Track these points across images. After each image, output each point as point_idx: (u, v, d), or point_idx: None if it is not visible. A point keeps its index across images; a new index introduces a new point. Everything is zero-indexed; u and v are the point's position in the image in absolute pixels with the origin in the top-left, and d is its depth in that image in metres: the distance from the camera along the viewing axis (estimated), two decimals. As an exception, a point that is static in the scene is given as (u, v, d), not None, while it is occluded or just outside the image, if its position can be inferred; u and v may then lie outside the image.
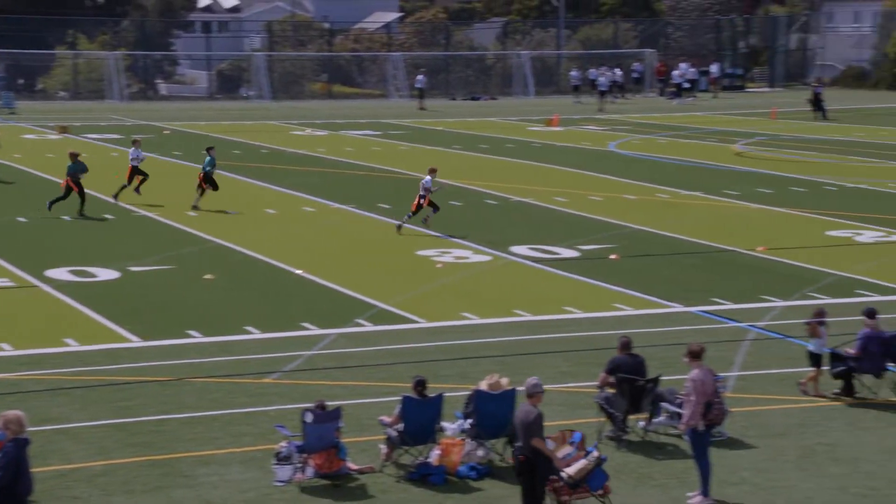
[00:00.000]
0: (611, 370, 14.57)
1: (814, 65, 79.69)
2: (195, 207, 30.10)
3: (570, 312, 20.39)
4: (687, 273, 23.51)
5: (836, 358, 16.22)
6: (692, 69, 70.10)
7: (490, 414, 13.72)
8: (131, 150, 31.68)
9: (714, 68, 74.02)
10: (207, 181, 30.19)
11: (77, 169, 29.42)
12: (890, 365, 16.09)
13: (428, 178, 27.33)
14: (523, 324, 19.66)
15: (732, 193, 33.14)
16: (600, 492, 12.27)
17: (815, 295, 21.39)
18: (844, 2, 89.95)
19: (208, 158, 30.37)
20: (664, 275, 23.30)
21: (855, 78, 76.19)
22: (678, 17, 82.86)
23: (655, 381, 14.66)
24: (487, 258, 24.89)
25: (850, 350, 16.13)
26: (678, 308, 20.69)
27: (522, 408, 11.86)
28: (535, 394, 11.82)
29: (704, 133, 49.80)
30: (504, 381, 14.04)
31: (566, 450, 12.51)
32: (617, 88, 69.50)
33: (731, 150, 43.16)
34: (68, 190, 29.31)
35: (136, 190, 31.30)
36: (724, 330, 19.30)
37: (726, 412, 13.64)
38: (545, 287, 22.36)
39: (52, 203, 29.28)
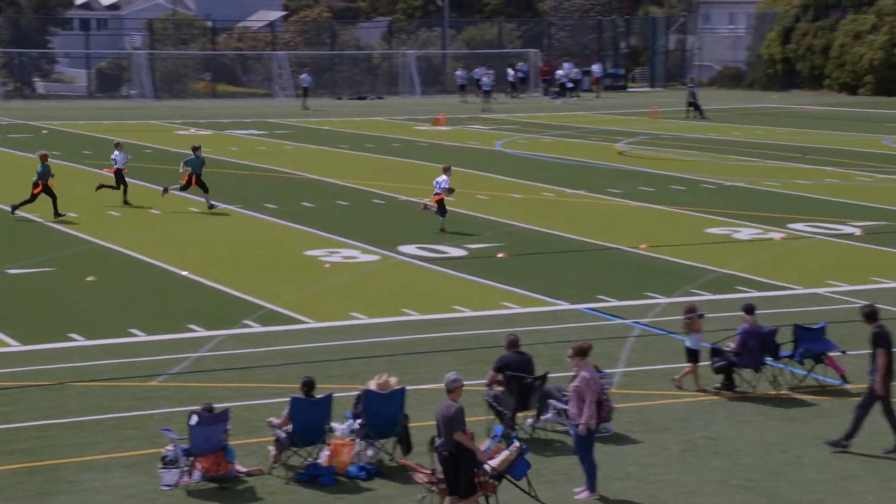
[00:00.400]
0: (499, 368, 14.65)
1: (692, 65, 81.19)
2: (211, 206, 30.04)
3: (459, 311, 20.46)
4: (573, 271, 23.75)
5: (716, 353, 16.53)
6: (575, 69, 70.92)
7: (379, 414, 13.70)
8: (115, 153, 31.31)
9: (596, 68, 75.00)
10: (198, 183, 30.24)
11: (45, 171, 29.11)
12: (768, 359, 16.45)
13: (444, 177, 27.41)
14: (412, 323, 19.67)
15: (616, 192, 33.58)
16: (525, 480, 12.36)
17: (696, 291, 21.77)
18: (720, 4, 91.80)
19: (193, 158, 30.30)
20: (551, 273, 23.51)
21: (731, 78, 77.80)
22: (561, 17, 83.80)
23: (543, 378, 14.78)
24: (376, 258, 24.86)
25: (731, 345, 16.45)
26: (565, 305, 20.89)
27: (443, 403, 11.88)
28: (454, 389, 11.86)
29: (588, 132, 50.39)
30: (393, 380, 14.03)
31: (486, 442, 12.56)
32: (511, 87, 70.15)
33: (615, 149, 43.73)
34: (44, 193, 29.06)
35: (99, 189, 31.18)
36: (610, 327, 19.55)
37: (613, 409, 13.82)
38: (434, 286, 22.41)
39: (15, 207, 29.12)
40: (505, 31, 78.66)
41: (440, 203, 27.54)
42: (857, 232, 27.42)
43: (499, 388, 14.63)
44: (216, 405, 13.65)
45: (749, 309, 16.50)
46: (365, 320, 19.82)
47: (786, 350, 16.57)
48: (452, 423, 11.71)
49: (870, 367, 13.97)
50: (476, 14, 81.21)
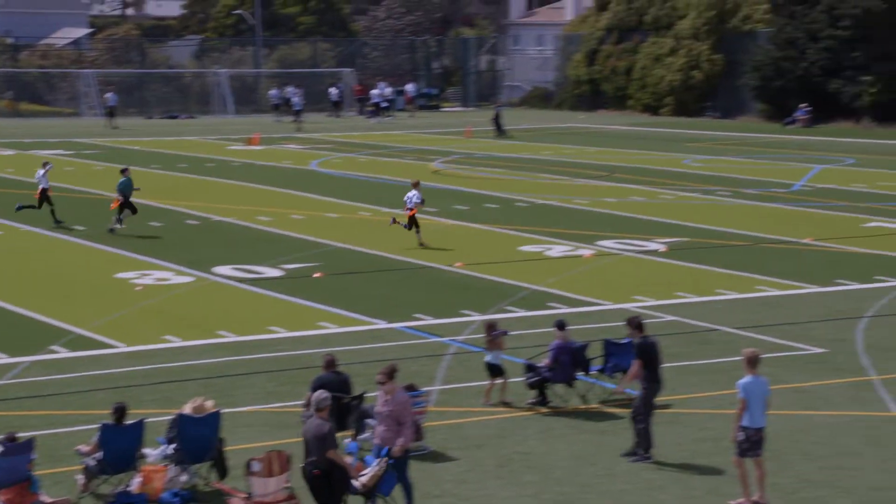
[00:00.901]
0: (316, 388, 14.56)
1: (503, 85, 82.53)
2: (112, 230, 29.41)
3: (275, 332, 20.27)
4: (390, 290, 23.80)
5: (530, 369, 16.77)
6: (389, 89, 71.31)
7: (194, 438, 13.46)
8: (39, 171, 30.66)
9: (410, 88, 75.54)
10: (127, 205, 29.58)
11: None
12: (580, 374, 16.77)
13: (414, 192, 28.05)
14: (228, 345, 19.40)
15: (431, 210, 33.82)
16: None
17: (510, 308, 22.06)
18: (528, 26, 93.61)
19: (124, 180, 29.58)
20: (368, 292, 23.51)
21: (540, 98, 79.34)
22: (374, 37, 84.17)
23: (360, 397, 14.76)
24: (189, 279, 24.45)
25: (544, 361, 16.71)
26: (382, 325, 20.90)
27: (312, 422, 11.76)
28: (324, 407, 11.78)
29: (403, 151, 50.66)
30: (209, 403, 13.80)
31: (348, 460, 12.54)
32: (333, 106, 70.03)
33: (429, 168, 44.07)
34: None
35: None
36: (426, 345, 19.65)
37: (422, 428, 13.91)
38: (249, 307, 22.15)
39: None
40: (319, 51, 78.56)
41: (412, 218, 27.99)
42: (662, 248, 28.23)
43: (316, 409, 14.53)
44: (20, 434, 13.18)
45: (561, 325, 16.80)
46: (178, 343, 19.45)
47: (596, 365, 16.92)
48: (325, 441, 11.62)
49: (642, 380, 14.46)
50: (289, 33, 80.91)
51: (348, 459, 12.59)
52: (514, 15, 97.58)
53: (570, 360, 16.54)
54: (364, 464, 12.74)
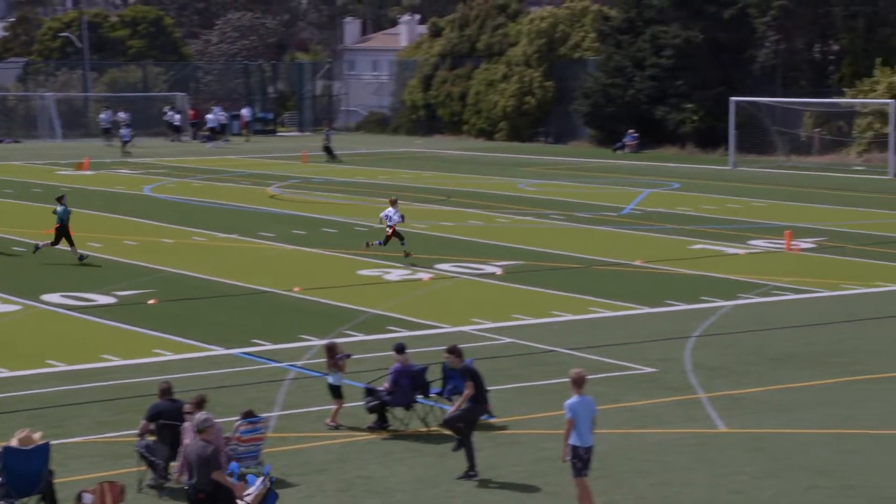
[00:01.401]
0: (151, 417, 14.32)
1: (339, 110, 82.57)
2: (81, 258, 28.53)
3: (109, 360, 19.85)
4: (226, 315, 23.54)
5: (369, 393, 16.79)
6: (223, 113, 70.67)
7: (21, 471, 13.06)
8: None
9: (245, 112, 74.97)
10: (64, 234, 28.70)
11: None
12: (419, 397, 16.86)
13: (392, 209, 29.17)
14: (58, 374, 18.91)
15: (268, 235, 33.59)
16: None
17: (349, 332, 22.05)
18: (363, 51, 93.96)
19: (62, 208, 28.64)
20: (204, 318, 23.20)
21: (377, 123, 79.62)
22: (207, 61, 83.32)
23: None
24: (16, 308, 23.76)
25: (383, 385, 16.74)
26: (219, 351, 20.66)
27: (196, 444, 11.57)
28: (206, 428, 11.68)
29: (239, 176, 50.21)
30: (36, 435, 13.42)
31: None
32: (173, 130, 69.09)
33: (266, 193, 43.77)
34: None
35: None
36: (265, 370, 19.49)
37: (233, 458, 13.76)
38: (81, 335, 21.64)
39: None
40: (151, 75, 77.38)
41: (396, 233, 29.11)
42: (498, 271, 28.60)
43: (151, 438, 14.30)
44: None
45: (400, 348, 16.87)
46: (5, 374, 18.87)
47: (435, 388, 17.03)
48: (210, 462, 11.49)
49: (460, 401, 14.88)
50: (119, 56, 79.53)
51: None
52: (348, 40, 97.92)
53: (409, 384, 16.61)
54: (246, 483, 12.58)
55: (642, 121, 62.87)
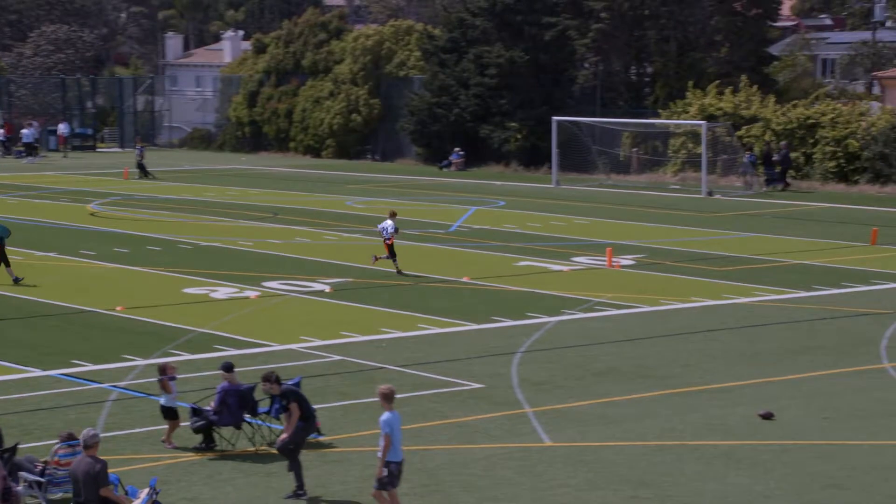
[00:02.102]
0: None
1: (162, 126, 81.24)
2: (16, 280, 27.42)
3: (-81, 384, 19.05)
4: (44, 336, 22.88)
5: (196, 413, 16.54)
6: (39, 128, 68.79)
7: None
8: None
9: (63, 128, 73.07)
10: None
11: None
12: (247, 416, 16.68)
13: (390, 221, 30.10)
14: None
15: (89, 253, 32.80)
16: None
17: (175, 351, 21.69)
18: (186, 67, 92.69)
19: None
20: (20, 339, 22.50)
21: (201, 139, 78.56)
22: (21, 75, 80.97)
23: (13, 450, 14.11)
24: None
25: (210, 405, 16.52)
26: (36, 373, 20.06)
27: (83, 461, 11.29)
28: (93, 444, 11.65)
29: (57, 193, 48.90)
30: None
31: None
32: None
33: (86, 210, 42.73)
34: None
35: None
36: (86, 392, 19.01)
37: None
38: None
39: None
40: (-41, 88, 75.00)
41: (390, 248, 29.87)
42: (327, 289, 28.53)
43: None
44: None
45: (227, 367, 16.67)
46: None
47: (263, 407, 16.88)
48: (98, 479, 11.46)
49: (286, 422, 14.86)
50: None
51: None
52: (170, 55, 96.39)
53: (237, 403, 16.42)
54: (128, 495, 12.29)
55: (468, 139, 63.57)
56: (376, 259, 30.66)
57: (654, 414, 18.32)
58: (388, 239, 30.25)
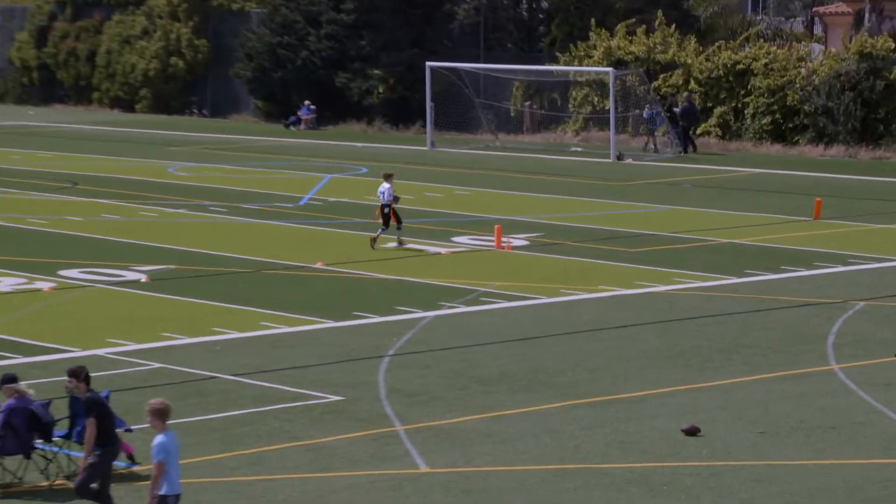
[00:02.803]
0: None
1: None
2: None
3: None
4: None
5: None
6: None
7: None
8: None
9: None
10: None
11: None
12: (38, 442, 16.29)
13: (387, 185, 31.84)
14: None
15: None
16: None
17: (-55, 360, 21.16)
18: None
19: None
20: None
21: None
22: None
23: None
24: None
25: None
26: None
27: None
28: None
29: None
30: None
31: None
32: None
33: None
34: None
35: None
36: None
37: None
38: None
39: None
40: None
41: (394, 213, 31.73)
42: (143, 278, 28.17)
43: None
44: None
45: (10, 379, 16.27)
46: None
47: (61, 429, 16.52)
48: None
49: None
50: None
51: None
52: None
53: (24, 425, 16.05)
54: None
55: (320, 90, 63.34)
56: (400, 243, 32.10)
57: (555, 431, 18.40)
58: (387, 204, 31.73)
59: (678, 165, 49.74)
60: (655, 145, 53.37)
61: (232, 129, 62.49)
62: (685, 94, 54.26)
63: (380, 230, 32.03)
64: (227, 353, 22.32)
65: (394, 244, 32.28)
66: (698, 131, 54.40)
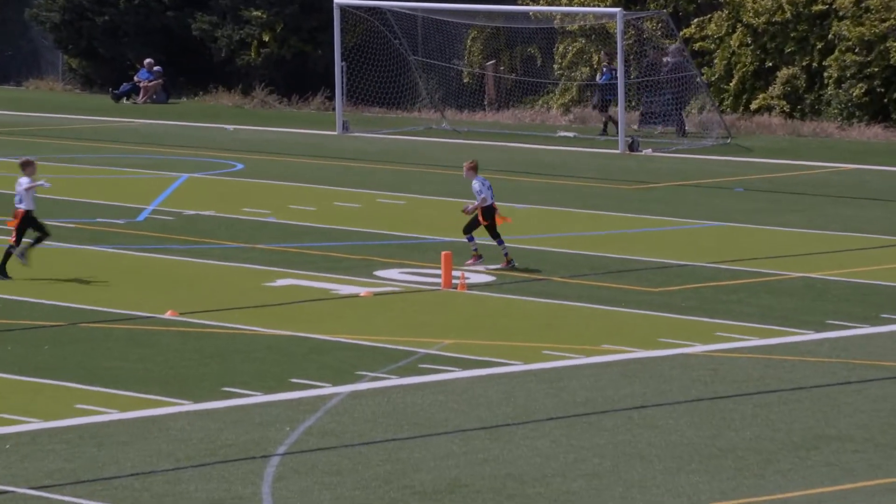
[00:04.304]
0: None
1: None
2: None
3: None
4: None
5: None
6: None
7: None
8: None
9: None
10: None
11: None
12: None
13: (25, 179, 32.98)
14: None
15: None
16: None
17: None
18: None
19: None
20: None
21: None
22: None
23: None
24: None
25: None
26: None
27: None
28: None
29: None
30: None
31: None
32: None
33: None
34: None
35: None
36: None
37: None
38: None
39: None
40: None
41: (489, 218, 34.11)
42: None
43: None
44: None
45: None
46: None
47: None
48: None
49: None
50: None
51: None
52: None
53: None
54: None
55: (170, 43, 63.97)
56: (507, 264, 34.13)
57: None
58: (491, 203, 34.12)
59: (722, 158, 49.97)
60: (683, 127, 53.58)
61: (32, 103, 62.31)
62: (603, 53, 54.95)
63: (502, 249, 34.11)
64: (23, 454, 22.15)
65: (281, 282, 32.24)
66: (752, 104, 54.63)
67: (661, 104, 54.79)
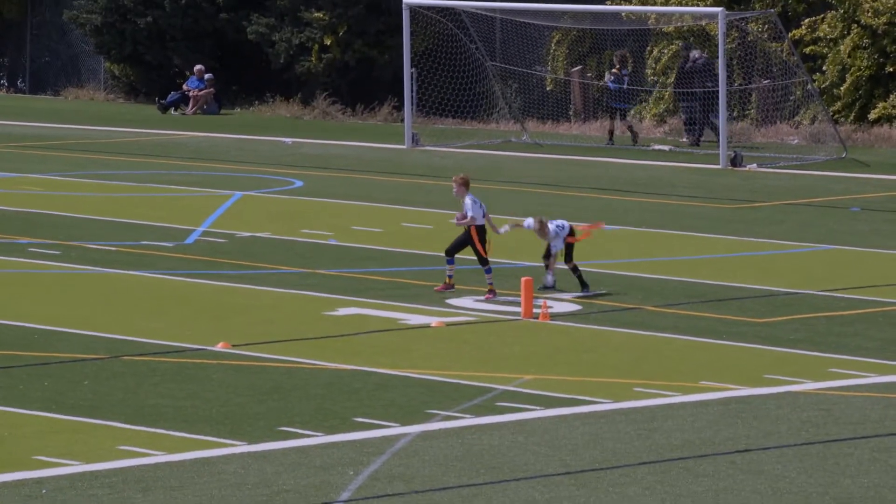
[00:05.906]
0: None
1: None
2: None
3: None
4: None
5: None
6: None
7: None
8: None
9: None
10: None
11: None
12: None
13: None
14: None
15: None
16: None
17: None
18: None
19: None
20: None
21: None
22: None
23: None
24: None
25: None
26: None
27: None
28: None
29: None
30: None
31: None
32: None
33: None
34: None
35: None
36: None
37: None
38: None
39: None
40: None
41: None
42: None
43: None
44: None
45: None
46: None
47: None
48: None
49: None
50: None
51: None
52: None
53: None
54: None
55: (221, 48, 64.17)
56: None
57: None
58: (570, 235, 34.40)
59: (836, 174, 49.83)
60: (699, 137, 53.69)
61: (69, 115, 62.55)
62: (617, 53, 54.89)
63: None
64: (61, 500, 22.22)
65: (343, 311, 32.29)
66: (871, 114, 54.50)
67: (689, 110, 54.96)
